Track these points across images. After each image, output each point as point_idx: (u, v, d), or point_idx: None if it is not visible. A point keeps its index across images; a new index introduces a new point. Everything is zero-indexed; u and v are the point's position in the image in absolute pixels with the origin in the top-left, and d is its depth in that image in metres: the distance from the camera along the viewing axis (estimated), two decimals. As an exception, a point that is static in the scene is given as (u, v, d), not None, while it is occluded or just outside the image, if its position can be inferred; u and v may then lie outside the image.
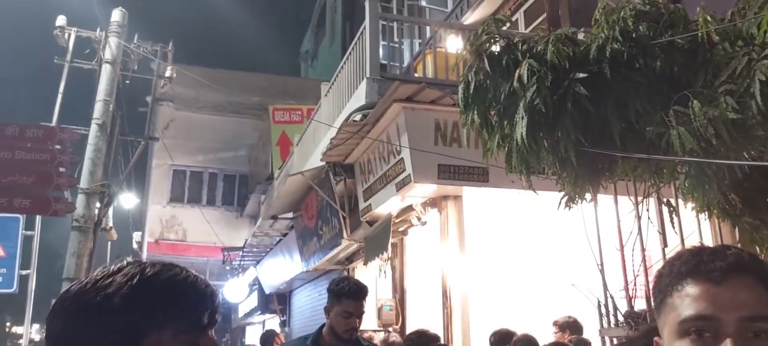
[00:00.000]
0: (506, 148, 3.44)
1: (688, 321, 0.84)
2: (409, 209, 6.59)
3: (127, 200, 14.04)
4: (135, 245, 16.61)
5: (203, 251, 16.08)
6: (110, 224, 10.77)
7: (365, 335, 4.38)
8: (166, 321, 0.85)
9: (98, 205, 9.08)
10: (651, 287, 3.99)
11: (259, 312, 14.91)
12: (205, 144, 17.23)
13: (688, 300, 0.85)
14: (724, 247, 0.90)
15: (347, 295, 3.10)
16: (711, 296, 0.84)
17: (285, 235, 11.39)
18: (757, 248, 3.30)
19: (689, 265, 0.88)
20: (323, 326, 3.22)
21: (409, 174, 5.71)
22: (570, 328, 5.08)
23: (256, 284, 14.36)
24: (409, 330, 6.93)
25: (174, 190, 17.43)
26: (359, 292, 3.15)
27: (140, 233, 17.06)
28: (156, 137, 11.87)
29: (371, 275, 7.54)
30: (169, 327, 0.86)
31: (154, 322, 0.85)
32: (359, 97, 6.47)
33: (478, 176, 5.69)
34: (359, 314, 3.13)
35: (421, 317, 6.80)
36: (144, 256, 16.47)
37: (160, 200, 17.12)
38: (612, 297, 3.93)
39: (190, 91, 16.29)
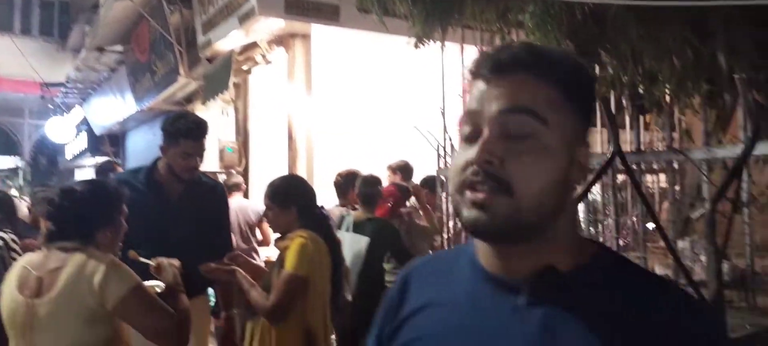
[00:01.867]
0: (358, -21, 3.21)
1: (462, 119, 0.82)
2: (254, 45, 6.19)
3: None
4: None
5: (18, 87, 14.30)
6: None
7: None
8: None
9: None
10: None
11: (90, 154, 13.86)
12: (14, -38, 14.75)
13: (468, 98, 0.82)
14: (520, 42, 0.85)
15: (186, 135, 2.83)
16: (480, 94, 0.80)
17: (114, 70, 10.37)
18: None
19: (477, 63, 0.83)
20: (158, 159, 2.96)
21: (254, 6, 5.28)
22: (402, 171, 5.26)
23: (85, 124, 13.18)
24: (252, 172, 6.81)
25: (-22, 15, 14.95)
26: (198, 131, 2.88)
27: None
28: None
29: (213, 115, 7.15)
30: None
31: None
32: None
33: (329, 13, 5.42)
34: (200, 153, 2.89)
35: (266, 159, 6.68)
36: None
37: (-41, 25, 14.66)
38: (451, 139, 4.04)
39: None
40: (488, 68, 0.81)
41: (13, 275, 2.00)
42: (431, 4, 3.13)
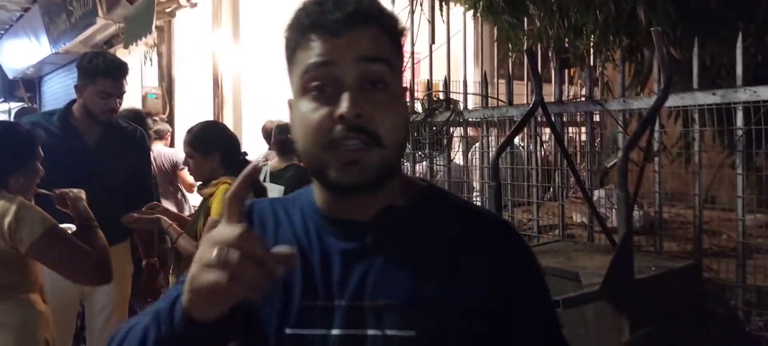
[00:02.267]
0: None
1: (308, 71, 0.80)
2: (178, -14, 5.91)
3: None
4: None
5: None
6: None
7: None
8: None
9: None
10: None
11: (3, 100, 13.00)
12: None
13: (311, 52, 0.81)
14: None
15: (104, 73, 2.70)
16: (331, 47, 0.80)
17: (27, 10, 9.68)
18: (510, 46, 3.55)
19: (312, 17, 0.82)
20: (73, 102, 2.81)
21: (176, -56, 5.01)
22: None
23: (-4, 66, 12.31)
24: (177, 120, 6.58)
25: None
26: (118, 70, 2.75)
27: None
28: None
29: (136, 60, 6.82)
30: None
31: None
32: None
33: (256, -46, 5.22)
34: (119, 94, 2.76)
35: (191, 106, 6.46)
36: None
37: None
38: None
39: None
40: (337, 22, 0.80)
41: None
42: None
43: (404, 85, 0.88)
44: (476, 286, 0.82)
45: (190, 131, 2.70)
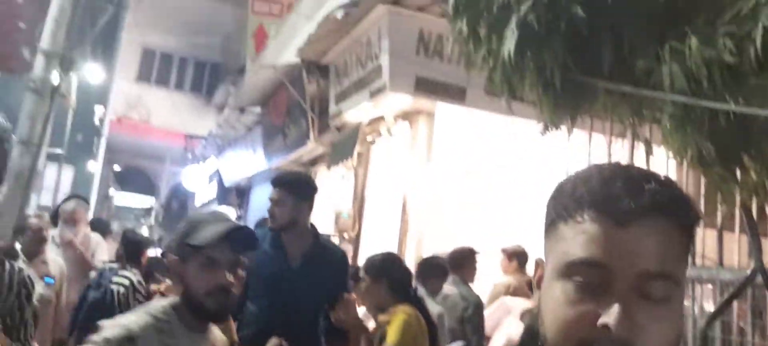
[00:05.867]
0: (491, 64, 3.28)
1: (577, 265, 0.70)
2: (380, 119, 6.44)
3: (93, 72, 13.43)
4: (96, 121, 16.14)
5: (165, 137, 15.77)
6: (72, 93, 10.36)
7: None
8: None
9: (58, 70, 8.65)
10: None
11: (217, 203, 14.86)
12: (179, 26, 16.58)
13: (582, 238, 0.70)
14: (642, 175, 0.73)
15: (272, 182, 3.08)
16: (609, 240, 0.69)
17: (250, 129, 11.19)
18: (719, 197, 3.27)
19: (595, 194, 0.71)
20: None
21: (385, 83, 5.52)
22: (517, 256, 5.13)
23: (216, 174, 14.21)
24: (364, 239, 6.94)
25: (142, 69, 16.91)
26: (276, 180, 3.09)
27: (103, 107, 16.56)
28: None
29: (334, 179, 7.46)
30: None
31: None
32: (344, -8, 6.15)
33: (456, 94, 5.54)
34: (277, 202, 2.97)
35: (378, 228, 6.80)
36: (104, 133, 16.07)
37: (127, 76, 16.55)
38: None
39: (167, -34, 15.49)
40: (624, 212, 0.69)
41: None
42: (562, 94, 3.12)
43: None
44: None
45: (368, 258, 2.92)
